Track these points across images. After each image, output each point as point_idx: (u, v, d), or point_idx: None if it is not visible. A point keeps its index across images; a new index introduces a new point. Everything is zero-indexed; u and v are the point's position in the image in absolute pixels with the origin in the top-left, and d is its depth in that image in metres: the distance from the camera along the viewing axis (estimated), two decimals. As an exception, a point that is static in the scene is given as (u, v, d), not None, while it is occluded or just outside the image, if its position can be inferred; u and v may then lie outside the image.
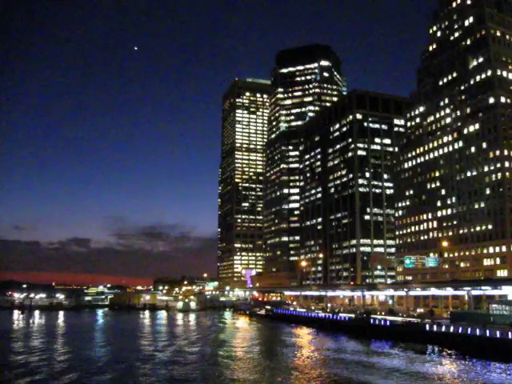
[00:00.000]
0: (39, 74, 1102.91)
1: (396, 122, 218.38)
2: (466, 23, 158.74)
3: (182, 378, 57.66)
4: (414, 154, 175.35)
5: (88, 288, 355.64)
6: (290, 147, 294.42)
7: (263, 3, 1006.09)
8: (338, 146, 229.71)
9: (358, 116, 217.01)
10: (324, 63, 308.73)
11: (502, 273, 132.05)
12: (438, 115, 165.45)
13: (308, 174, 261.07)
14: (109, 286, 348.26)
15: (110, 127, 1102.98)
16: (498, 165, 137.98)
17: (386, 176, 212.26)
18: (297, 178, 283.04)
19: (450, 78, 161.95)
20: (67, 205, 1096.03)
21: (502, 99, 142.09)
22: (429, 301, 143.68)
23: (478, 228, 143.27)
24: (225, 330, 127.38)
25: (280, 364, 69.38)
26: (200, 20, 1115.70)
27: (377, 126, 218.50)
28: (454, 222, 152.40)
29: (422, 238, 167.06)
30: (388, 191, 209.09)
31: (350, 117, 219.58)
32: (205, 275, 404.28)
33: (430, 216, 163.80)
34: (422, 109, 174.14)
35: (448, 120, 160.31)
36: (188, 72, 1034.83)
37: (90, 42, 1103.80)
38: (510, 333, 68.31)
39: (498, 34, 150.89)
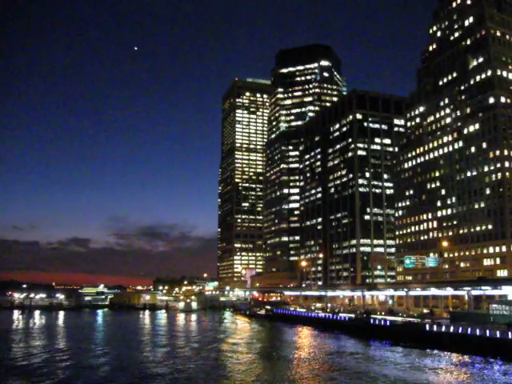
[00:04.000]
0: (39, 74, 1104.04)
1: (396, 122, 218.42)
2: (466, 23, 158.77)
3: (182, 379, 57.60)
4: (414, 153, 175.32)
5: (82, 288, 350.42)
6: (290, 147, 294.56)
7: (263, 3, 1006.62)
8: (338, 146, 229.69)
9: (358, 116, 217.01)
10: (324, 63, 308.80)
11: (502, 273, 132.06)
12: (438, 115, 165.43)
13: (308, 174, 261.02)
14: (102, 285, 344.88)
15: (109, 127, 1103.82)
16: (498, 165, 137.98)
17: (386, 176, 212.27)
18: (297, 177, 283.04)
19: (450, 77, 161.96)
20: (67, 205, 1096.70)
21: (502, 99, 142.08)
22: (429, 301, 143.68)
23: (478, 228, 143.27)
24: (225, 330, 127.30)
25: (280, 364, 69.38)
26: (200, 20, 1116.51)
27: (377, 125, 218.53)
28: (454, 222, 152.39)
29: (422, 237, 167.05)
30: (388, 191, 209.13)
31: (350, 117, 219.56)
32: (205, 275, 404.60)
33: (430, 216, 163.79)
34: (422, 109, 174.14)
35: (448, 120, 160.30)
36: (188, 72, 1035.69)
37: (90, 42, 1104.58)
38: (509, 333, 68.31)
39: (498, 34, 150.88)
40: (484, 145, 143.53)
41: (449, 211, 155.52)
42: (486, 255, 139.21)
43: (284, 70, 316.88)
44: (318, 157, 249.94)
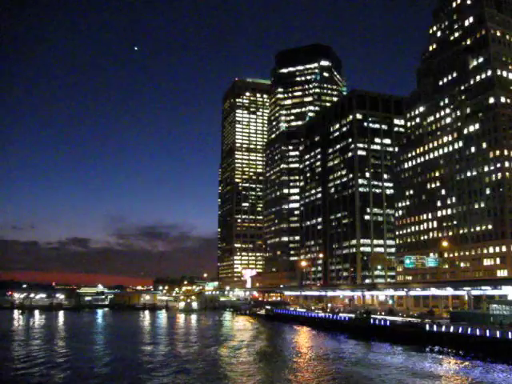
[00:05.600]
0: (39, 74, 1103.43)
1: (396, 122, 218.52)
2: (466, 23, 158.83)
3: (182, 379, 57.61)
4: (414, 154, 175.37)
5: (80, 288, 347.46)
6: (290, 147, 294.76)
7: (263, 3, 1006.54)
8: (338, 146, 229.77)
9: (358, 116, 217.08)
10: (324, 63, 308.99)
11: (502, 273, 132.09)
12: (438, 115, 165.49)
13: (308, 174, 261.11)
14: (101, 286, 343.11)
15: (109, 127, 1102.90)
16: (498, 165, 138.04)
17: (385, 176, 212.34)
18: (297, 178, 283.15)
19: (450, 77, 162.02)
20: (66, 204, 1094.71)
21: (502, 99, 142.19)
22: (429, 301, 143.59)
23: (477, 228, 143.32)
24: (225, 330, 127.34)
25: (280, 364, 69.36)
26: (200, 20, 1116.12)
27: (377, 125, 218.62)
28: (454, 222, 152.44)
29: (422, 237, 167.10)
30: (388, 191, 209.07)
31: (350, 117, 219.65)
32: (205, 275, 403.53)
33: (430, 216, 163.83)
34: (422, 109, 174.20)
35: (448, 120, 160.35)
36: (188, 72, 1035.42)
37: (90, 42, 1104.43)
38: (509, 333, 68.32)
39: (498, 34, 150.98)
40: (484, 145, 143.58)
41: (449, 211, 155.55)
42: (486, 255, 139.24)
43: (284, 70, 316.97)
44: (318, 157, 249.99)
